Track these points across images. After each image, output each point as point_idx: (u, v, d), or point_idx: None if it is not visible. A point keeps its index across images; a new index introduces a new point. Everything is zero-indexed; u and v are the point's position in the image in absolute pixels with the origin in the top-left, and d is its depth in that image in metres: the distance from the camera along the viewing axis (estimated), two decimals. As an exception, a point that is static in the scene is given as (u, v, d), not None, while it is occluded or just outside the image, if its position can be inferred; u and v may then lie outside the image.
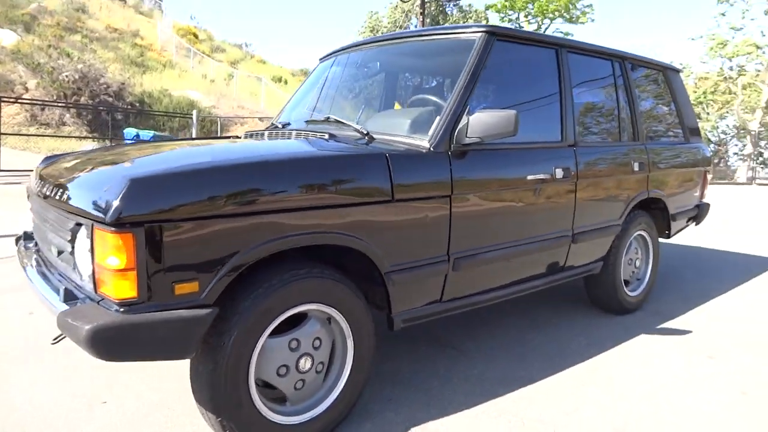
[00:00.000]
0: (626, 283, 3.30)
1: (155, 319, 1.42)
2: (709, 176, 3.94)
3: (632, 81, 3.23)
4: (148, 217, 1.40)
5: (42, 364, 2.41)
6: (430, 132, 2.13)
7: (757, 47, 24.52)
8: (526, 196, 2.42)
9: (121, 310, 1.41)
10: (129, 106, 16.43)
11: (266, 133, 2.52)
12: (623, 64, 3.19)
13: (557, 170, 2.55)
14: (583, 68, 2.90)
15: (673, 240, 5.72)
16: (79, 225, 1.54)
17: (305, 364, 1.78)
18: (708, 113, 27.45)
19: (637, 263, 3.40)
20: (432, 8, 20.98)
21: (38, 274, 1.83)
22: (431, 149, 2.07)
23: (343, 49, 3.06)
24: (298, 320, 1.79)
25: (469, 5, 23.47)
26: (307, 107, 3.03)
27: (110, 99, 16.00)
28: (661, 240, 3.61)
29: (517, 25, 27.47)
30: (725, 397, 2.29)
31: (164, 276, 1.44)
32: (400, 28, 21.98)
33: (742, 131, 27.37)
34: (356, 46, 2.99)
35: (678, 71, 3.80)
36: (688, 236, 6.08)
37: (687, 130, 3.73)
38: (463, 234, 2.15)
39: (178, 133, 16.23)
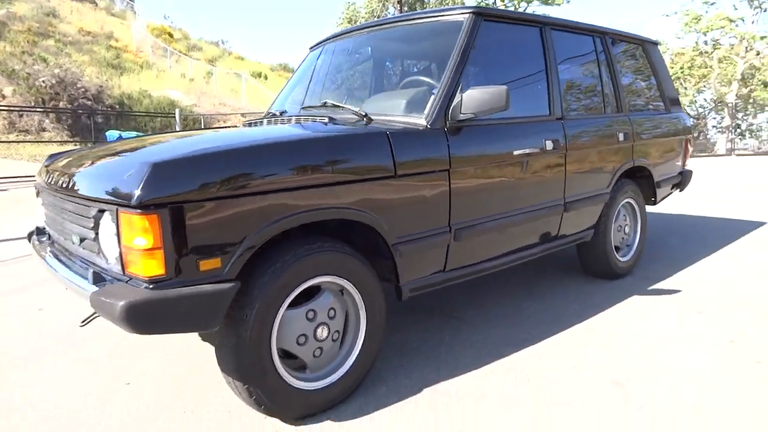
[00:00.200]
0: (617, 249, 3.44)
1: (183, 294, 1.51)
2: (690, 147, 4.09)
3: (613, 55, 3.35)
4: (170, 199, 1.48)
5: (63, 354, 2.48)
6: (426, 110, 2.23)
7: (731, 21, 24.90)
8: (519, 168, 2.53)
9: (150, 287, 1.50)
10: (109, 109, 16.28)
11: (265, 120, 2.60)
12: (604, 39, 3.31)
13: (547, 143, 2.66)
14: (567, 45, 3.01)
15: (659, 209, 5.92)
16: (101, 212, 1.62)
17: (322, 332, 1.88)
18: (686, 88, 27.87)
19: (626, 230, 3.54)
20: (409, -4, 21.01)
21: (60, 263, 1.90)
22: (428, 126, 2.17)
23: (332, 37, 3.14)
24: (312, 293, 1.89)
25: (446, -9, 23.53)
26: (300, 95, 3.10)
27: (89, 102, 15.83)
28: (648, 209, 3.75)
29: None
30: (715, 347, 2.44)
31: (189, 253, 1.53)
32: (378, 17, 21.95)
33: (719, 104, 27.86)
34: (345, 33, 3.07)
35: (656, 44, 3.93)
36: (673, 206, 6.28)
37: (667, 101, 3.87)
38: (462, 206, 2.26)
39: (156, 134, 16.11)
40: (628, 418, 1.87)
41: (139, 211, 1.45)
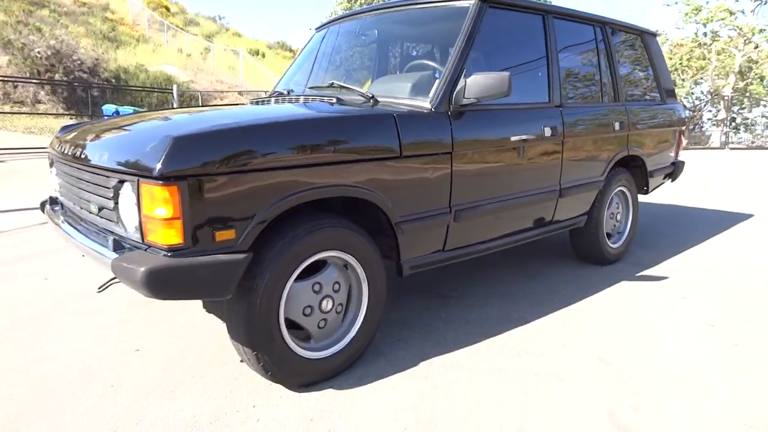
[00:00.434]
0: (608, 235, 3.55)
1: (200, 262, 1.60)
2: (684, 139, 4.18)
3: (612, 45, 3.42)
4: (190, 171, 1.56)
5: (71, 322, 2.56)
6: (431, 94, 2.30)
7: (731, 13, 24.88)
8: (517, 153, 2.62)
9: (169, 254, 1.58)
10: (105, 82, 16.15)
11: (273, 99, 2.66)
12: (604, 28, 3.38)
13: (545, 129, 2.75)
14: (568, 33, 3.08)
15: (651, 198, 6.04)
16: (122, 182, 1.69)
17: (327, 304, 1.98)
18: (683, 79, 27.91)
19: (618, 217, 3.65)
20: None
21: (76, 230, 1.98)
22: (432, 110, 2.25)
23: (338, 18, 3.19)
24: (319, 267, 1.98)
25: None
26: (305, 75, 3.16)
27: (85, 75, 15.71)
28: (640, 197, 3.85)
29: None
30: (696, 329, 2.56)
31: (206, 224, 1.61)
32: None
33: (715, 97, 27.95)
34: (352, 15, 3.12)
35: (655, 35, 4.00)
36: (665, 195, 6.40)
37: (663, 92, 3.96)
38: (462, 188, 2.35)
39: (156, 109, 16.03)
40: (612, 390, 1.99)
41: (161, 182, 1.53)
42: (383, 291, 2.16)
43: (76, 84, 14.72)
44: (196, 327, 2.52)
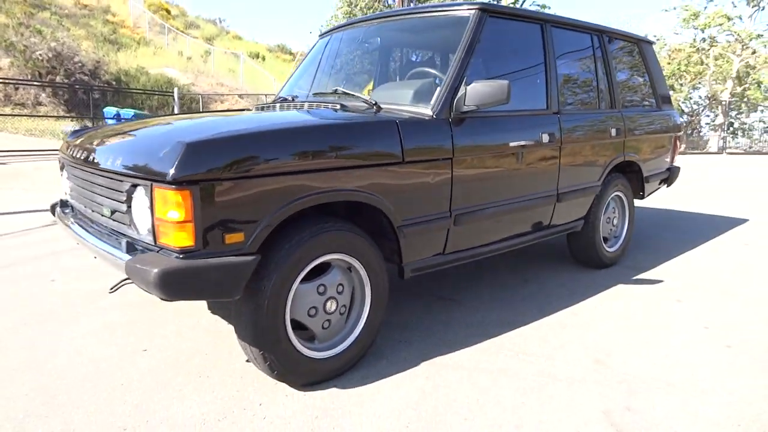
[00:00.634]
0: (605, 239, 3.62)
1: (210, 264, 1.66)
2: (680, 143, 4.25)
3: (609, 53, 3.49)
4: (201, 176, 1.62)
5: (80, 323, 2.62)
6: (432, 101, 2.37)
7: (728, 18, 25.04)
8: (516, 159, 2.68)
9: (181, 256, 1.64)
10: (106, 85, 16.21)
11: (278, 105, 2.73)
12: (601, 37, 3.45)
13: (543, 135, 2.81)
14: (566, 41, 3.15)
15: (648, 203, 6.11)
16: (135, 186, 1.75)
17: (331, 306, 2.04)
18: (681, 84, 28.05)
19: (615, 222, 3.72)
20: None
21: (88, 233, 2.04)
22: (434, 117, 2.31)
23: (342, 25, 3.26)
24: (323, 269, 2.04)
25: (447, -21, 23.43)
26: (309, 81, 3.22)
27: (86, 77, 15.76)
28: (637, 202, 3.92)
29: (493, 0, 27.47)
30: (690, 331, 2.63)
31: (216, 227, 1.67)
32: (379, 2, 21.86)
33: (713, 101, 28.09)
34: (355, 23, 3.19)
35: (651, 43, 4.08)
36: (661, 200, 6.47)
37: (659, 99, 4.03)
38: (462, 193, 2.41)
39: (157, 112, 16.11)
40: (607, 391, 2.05)
41: (174, 186, 1.59)
42: (385, 293, 2.22)
43: (77, 86, 14.78)
44: (201, 328, 2.58)
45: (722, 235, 4.73)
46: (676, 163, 4.32)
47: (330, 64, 3.23)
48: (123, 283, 1.86)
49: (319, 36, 3.44)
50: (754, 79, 26.35)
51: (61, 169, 2.51)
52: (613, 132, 3.38)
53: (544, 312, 2.84)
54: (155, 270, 1.58)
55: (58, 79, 15.07)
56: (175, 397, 1.96)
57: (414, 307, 2.88)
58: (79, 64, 15.87)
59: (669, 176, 4.20)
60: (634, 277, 3.47)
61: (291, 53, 31.22)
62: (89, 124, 13.12)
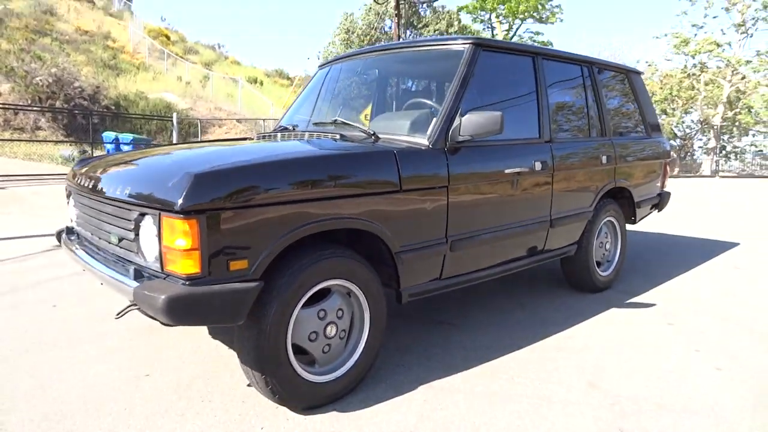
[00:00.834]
0: (598, 264, 3.70)
1: (215, 290, 1.72)
2: (672, 168, 4.37)
3: (599, 83, 3.62)
4: (208, 206, 1.70)
5: (82, 348, 2.66)
6: (429, 131, 2.46)
7: (718, 45, 25.61)
8: (510, 186, 2.77)
9: (187, 283, 1.71)
10: (105, 110, 16.38)
11: (279, 134, 2.82)
12: (591, 68, 3.58)
13: (536, 163, 2.91)
14: (557, 73, 3.27)
15: (640, 227, 6.20)
16: (142, 215, 1.82)
17: (331, 330, 2.10)
18: (674, 108, 28.50)
19: (608, 246, 3.80)
20: (406, 8, 21.40)
21: (95, 259, 2.10)
22: (430, 146, 2.41)
23: (341, 57, 3.38)
24: (323, 295, 2.10)
25: (443, 6, 23.99)
26: (308, 110, 3.33)
27: (85, 102, 15.94)
28: (629, 227, 4.01)
29: (489, 26, 28.07)
30: (682, 354, 2.69)
31: (221, 255, 1.74)
32: (375, 29, 22.30)
33: (705, 126, 28.52)
34: (353, 55, 3.30)
35: (639, 73, 4.22)
36: (654, 224, 6.57)
37: (648, 126, 4.15)
38: (458, 219, 2.49)
39: (156, 136, 16.25)
40: (600, 413, 2.10)
41: (181, 216, 1.67)
42: (384, 317, 2.28)
43: (76, 111, 14.93)
44: (202, 353, 2.62)
45: (713, 259, 4.82)
46: (666, 189, 4.43)
47: (329, 94, 3.34)
48: (129, 308, 1.91)
49: (319, 67, 3.56)
50: (744, 104, 26.82)
51: (68, 196, 2.58)
52: (604, 159, 3.49)
53: (538, 336, 2.90)
54: (163, 296, 1.64)
55: (57, 103, 15.23)
56: (178, 422, 1.99)
57: (411, 331, 2.93)
58: (79, 89, 16.06)
59: (660, 201, 4.30)
60: (627, 301, 3.54)
61: (289, 78, 31.64)
62: (88, 149, 13.24)
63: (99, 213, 2.13)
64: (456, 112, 2.50)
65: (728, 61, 25.63)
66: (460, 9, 26.12)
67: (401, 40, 17.76)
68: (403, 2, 17.12)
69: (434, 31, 22.65)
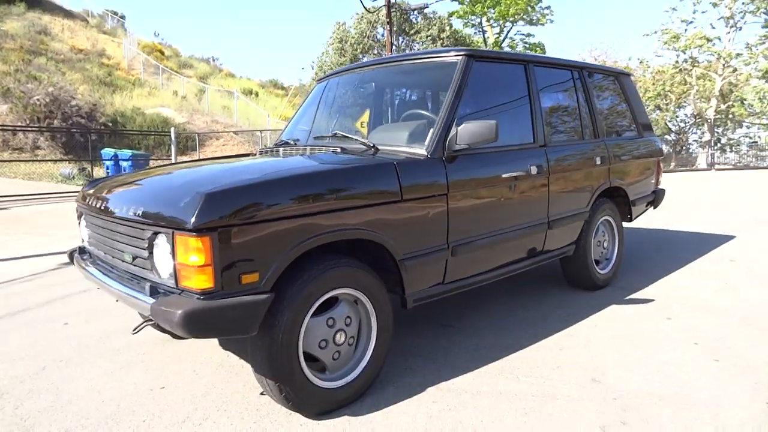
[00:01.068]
0: (597, 262, 3.78)
1: (229, 303, 1.80)
2: (667, 163, 4.45)
3: (590, 87, 3.71)
4: (219, 223, 1.78)
5: (97, 363, 2.73)
6: (426, 142, 2.55)
7: (708, 39, 25.83)
8: (508, 191, 2.85)
9: (202, 298, 1.79)
10: (103, 127, 16.49)
11: (281, 149, 2.90)
12: (581, 72, 3.67)
13: (532, 167, 2.99)
14: (549, 79, 3.37)
15: (638, 224, 6.29)
16: (156, 234, 1.90)
17: (340, 338, 2.17)
18: (667, 104, 28.70)
19: (605, 245, 3.89)
20: (397, 16, 21.58)
21: (109, 278, 2.18)
22: (428, 156, 2.49)
23: (338, 71, 3.47)
24: (331, 303, 2.18)
25: (433, 12, 24.18)
26: (309, 124, 3.41)
27: (83, 120, 16.05)
28: (626, 224, 4.09)
29: (480, 30, 28.28)
30: (681, 348, 2.76)
31: (233, 269, 1.82)
32: (368, 38, 22.45)
33: (699, 119, 28.70)
34: (350, 69, 3.40)
35: (629, 75, 4.32)
36: (650, 221, 6.66)
37: (640, 126, 4.25)
38: (458, 225, 2.57)
39: (154, 151, 16.34)
40: (603, 407, 2.17)
41: (194, 233, 1.75)
42: (390, 323, 2.35)
43: (73, 130, 15.02)
44: (214, 363, 2.69)
45: (710, 253, 4.90)
46: (661, 186, 4.52)
47: (328, 107, 3.43)
48: (145, 324, 1.99)
49: (317, 81, 3.65)
50: (737, 96, 27.03)
51: (79, 217, 2.66)
52: (598, 160, 3.58)
53: (540, 334, 2.97)
54: (179, 311, 1.71)
55: (55, 122, 15.33)
56: (196, 431, 2.07)
57: (417, 335, 3.00)
58: (76, 108, 16.18)
59: (654, 198, 4.39)
60: (626, 298, 3.62)
61: (283, 88, 31.84)
62: (87, 166, 13.32)
63: (112, 233, 2.20)
64: (452, 121, 2.58)
65: (719, 54, 25.83)
66: (451, 14, 26.36)
67: (394, 46, 17.92)
68: (394, 10, 17.26)
69: (426, 37, 22.86)
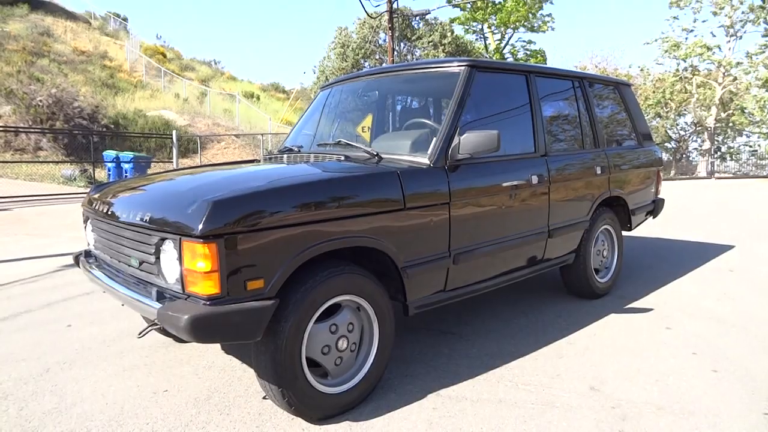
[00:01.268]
0: (596, 271, 3.80)
1: (234, 309, 1.82)
2: (665, 173, 4.49)
3: (590, 96, 3.75)
4: (225, 230, 1.81)
5: (101, 366, 2.75)
6: (429, 151, 2.58)
7: (708, 48, 25.92)
8: (509, 200, 2.89)
9: (208, 303, 1.81)
10: (104, 129, 16.54)
11: (285, 156, 2.93)
12: (582, 82, 3.71)
13: (533, 177, 3.03)
14: (550, 89, 3.40)
15: (637, 233, 6.32)
16: (163, 240, 1.93)
17: (342, 344, 2.20)
18: (667, 112, 28.76)
19: (605, 253, 3.91)
20: (399, 22, 21.69)
21: (115, 282, 2.20)
22: (431, 165, 2.53)
23: (342, 79, 3.51)
24: (334, 310, 2.21)
25: (435, 18, 24.30)
26: (313, 130, 3.45)
27: (85, 122, 16.10)
28: (625, 233, 4.12)
29: (482, 36, 28.40)
30: (680, 357, 2.79)
31: (239, 275, 1.85)
32: (369, 43, 22.54)
33: (699, 127, 28.77)
34: (354, 77, 3.44)
35: (629, 85, 4.36)
36: (649, 230, 6.69)
37: (640, 136, 4.28)
38: (460, 233, 2.60)
39: (156, 153, 16.39)
40: (602, 416, 2.20)
41: (201, 240, 1.77)
42: (392, 330, 2.38)
43: (75, 132, 15.07)
44: (217, 367, 2.72)
45: (709, 263, 4.93)
46: (660, 195, 4.55)
47: (332, 115, 3.46)
48: (151, 328, 2.01)
49: (321, 88, 3.69)
50: (737, 105, 27.10)
51: (85, 221, 2.69)
52: (598, 170, 3.61)
53: (540, 342, 3.00)
54: (186, 317, 1.74)
55: (57, 124, 15.38)
56: (199, 435, 2.09)
57: (418, 342, 3.03)
58: (78, 109, 16.24)
59: (654, 208, 4.42)
60: (626, 306, 3.65)
61: (285, 91, 31.93)
62: (89, 168, 13.35)
63: (118, 237, 2.23)
64: (455, 131, 2.62)
65: (719, 63, 25.92)
66: (452, 21, 26.48)
67: (395, 52, 17.99)
68: (396, 16, 17.35)
69: (428, 44, 22.95)
